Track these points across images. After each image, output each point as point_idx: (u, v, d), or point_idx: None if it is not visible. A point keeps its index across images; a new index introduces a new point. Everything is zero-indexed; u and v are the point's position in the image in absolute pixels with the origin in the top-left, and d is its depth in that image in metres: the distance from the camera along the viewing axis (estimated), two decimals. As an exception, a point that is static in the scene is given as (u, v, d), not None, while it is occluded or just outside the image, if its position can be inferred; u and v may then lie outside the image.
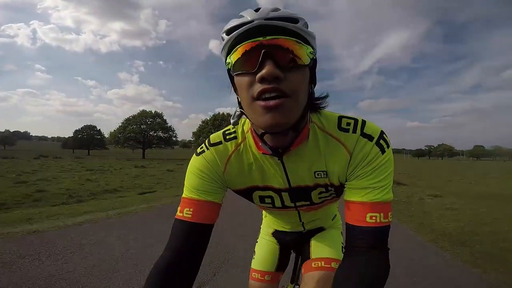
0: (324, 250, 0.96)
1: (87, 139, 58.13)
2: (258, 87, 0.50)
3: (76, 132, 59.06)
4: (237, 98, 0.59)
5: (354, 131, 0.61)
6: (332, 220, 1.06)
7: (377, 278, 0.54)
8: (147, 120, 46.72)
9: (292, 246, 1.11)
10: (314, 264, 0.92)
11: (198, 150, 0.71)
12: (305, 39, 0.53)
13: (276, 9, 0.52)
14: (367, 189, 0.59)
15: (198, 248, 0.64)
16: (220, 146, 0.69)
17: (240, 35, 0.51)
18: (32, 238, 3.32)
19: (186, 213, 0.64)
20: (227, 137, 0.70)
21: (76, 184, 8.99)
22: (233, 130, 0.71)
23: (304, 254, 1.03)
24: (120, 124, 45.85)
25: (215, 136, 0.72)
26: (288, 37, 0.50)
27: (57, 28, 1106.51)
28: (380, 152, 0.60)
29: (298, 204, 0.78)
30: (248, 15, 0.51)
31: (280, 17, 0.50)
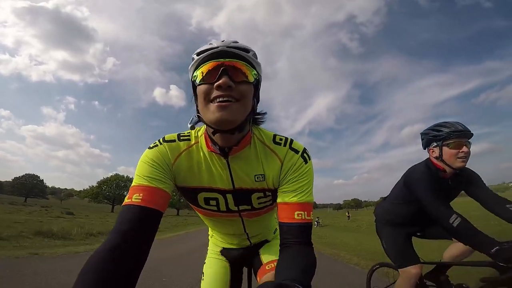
0: (274, 254, 1.03)
1: (27, 186, 54.84)
2: (214, 93, 0.66)
3: (15, 178, 55.23)
4: (196, 105, 0.74)
5: (285, 145, 0.79)
6: (274, 233, 1.15)
7: (309, 265, 0.65)
8: (120, 182, 53.54)
9: (243, 262, 1.13)
10: (268, 267, 0.98)
11: (151, 145, 0.78)
12: (252, 64, 0.72)
13: (236, 42, 0.72)
14: (295, 192, 0.74)
15: (147, 233, 0.63)
16: (174, 143, 0.79)
17: (207, 56, 0.68)
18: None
19: (135, 199, 0.65)
20: (181, 137, 0.81)
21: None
22: (187, 133, 0.82)
23: (256, 265, 1.05)
24: (96, 185, 54.01)
25: (170, 136, 0.81)
26: (240, 61, 0.69)
27: None
28: (304, 162, 0.77)
29: (241, 208, 0.87)
30: (215, 43, 0.70)
31: (237, 47, 0.70)
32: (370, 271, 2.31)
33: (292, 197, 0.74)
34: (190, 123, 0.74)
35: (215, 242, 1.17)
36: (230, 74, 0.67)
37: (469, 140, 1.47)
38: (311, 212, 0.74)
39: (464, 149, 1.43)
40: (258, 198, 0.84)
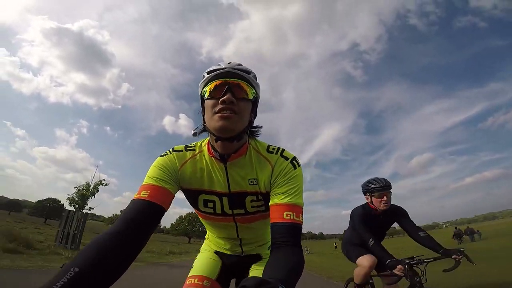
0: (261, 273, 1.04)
1: (48, 209, 59.20)
2: (219, 107, 0.79)
3: (39, 201, 60.00)
4: (203, 116, 0.88)
5: (277, 153, 0.91)
6: (268, 249, 1.12)
7: (297, 266, 0.68)
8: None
9: (232, 270, 1.19)
10: None
11: (163, 153, 0.93)
12: (252, 84, 0.87)
13: (240, 64, 0.87)
14: (284, 194, 0.82)
15: (148, 224, 0.74)
16: (181, 152, 0.93)
17: (216, 75, 0.84)
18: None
19: (143, 194, 0.78)
20: (188, 148, 0.95)
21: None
22: (193, 144, 0.96)
23: (244, 278, 1.08)
24: (176, 221, 66.60)
25: (179, 146, 0.96)
26: (242, 81, 0.84)
27: (19, 63, 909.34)
28: (293, 167, 0.87)
29: (235, 211, 0.97)
30: (223, 64, 0.85)
31: (241, 69, 0.85)
32: (346, 282, 2.79)
33: (281, 199, 0.81)
34: (193, 130, 0.89)
35: (209, 244, 1.26)
36: (233, 91, 0.81)
37: (390, 190, 2.20)
38: (301, 214, 0.79)
39: (385, 198, 2.17)
40: (252, 201, 0.93)
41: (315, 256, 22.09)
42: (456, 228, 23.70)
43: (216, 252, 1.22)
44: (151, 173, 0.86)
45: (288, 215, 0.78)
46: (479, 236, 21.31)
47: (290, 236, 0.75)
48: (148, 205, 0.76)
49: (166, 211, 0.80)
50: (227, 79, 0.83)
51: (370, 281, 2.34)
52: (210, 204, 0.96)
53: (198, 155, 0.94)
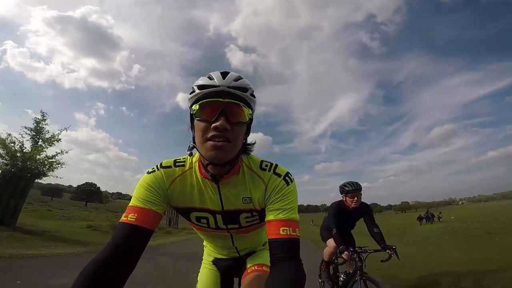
0: (258, 259, 1.16)
1: (88, 193, 65.81)
2: (211, 133, 0.73)
3: (78, 186, 66.70)
4: (193, 135, 0.82)
5: (269, 170, 0.88)
6: (263, 245, 1.23)
7: (297, 279, 0.70)
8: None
9: (232, 272, 1.24)
10: (250, 270, 1.09)
11: (150, 170, 0.88)
12: (249, 104, 0.80)
13: (237, 79, 0.78)
14: (279, 210, 0.81)
15: (137, 248, 0.73)
16: (169, 169, 0.88)
17: (207, 93, 0.75)
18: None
19: (130, 217, 0.75)
20: (177, 163, 0.90)
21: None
22: (183, 159, 0.91)
23: (241, 273, 1.16)
24: None
25: (167, 162, 0.90)
26: (238, 102, 0.76)
27: (28, 53, 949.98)
28: (286, 184, 0.86)
29: (229, 226, 0.96)
30: (216, 80, 0.76)
31: (237, 86, 0.77)
32: (320, 263, 3.47)
33: (276, 215, 0.80)
34: (188, 150, 0.84)
35: (208, 252, 1.29)
36: (227, 115, 0.74)
37: (360, 192, 2.82)
38: (297, 229, 0.79)
39: (356, 198, 2.79)
40: (246, 217, 0.93)
41: (317, 227, 25.85)
42: (427, 212, 29.95)
43: (215, 260, 1.26)
44: (137, 193, 0.82)
45: (285, 231, 0.77)
46: (438, 219, 26.45)
47: (289, 251, 0.75)
48: (136, 229, 0.74)
49: (154, 230, 0.79)
50: (221, 100, 0.75)
51: (335, 261, 3.04)
52: (203, 220, 0.95)
53: (188, 172, 0.90)
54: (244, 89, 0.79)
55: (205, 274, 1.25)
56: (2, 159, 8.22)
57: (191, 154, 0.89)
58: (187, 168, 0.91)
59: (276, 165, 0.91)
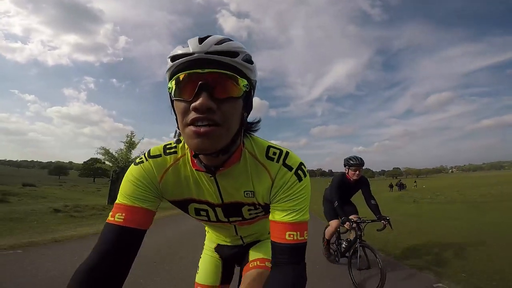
0: (259, 253, 1.03)
1: (94, 169, 69.70)
2: (191, 115, 0.54)
3: (84, 163, 70.28)
4: (176, 119, 0.61)
5: (278, 161, 0.70)
6: (268, 234, 0.98)
7: (297, 285, 0.64)
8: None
9: (234, 260, 1.14)
10: (252, 264, 0.98)
11: (137, 160, 0.74)
12: (242, 72, 0.58)
13: (221, 42, 0.56)
14: (287, 211, 0.67)
15: (128, 252, 0.64)
16: (159, 158, 0.72)
17: (181, 64, 0.55)
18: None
19: (117, 218, 0.64)
20: (167, 151, 0.74)
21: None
22: (174, 145, 0.74)
23: (244, 263, 1.06)
24: None
25: (156, 149, 0.74)
26: (224, 71, 0.54)
27: (2, 35, 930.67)
28: (298, 180, 0.69)
29: (231, 219, 0.85)
30: (191, 47, 0.55)
31: (221, 51, 0.55)
32: (324, 228, 3.71)
33: (283, 216, 0.67)
34: (174, 137, 0.66)
35: (210, 238, 1.18)
36: (211, 90, 0.53)
37: (362, 167, 3.10)
38: (305, 232, 0.68)
39: (357, 172, 3.07)
40: (249, 210, 0.80)
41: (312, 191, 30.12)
42: (399, 181, 34.74)
43: (218, 247, 1.14)
44: (124, 189, 0.69)
45: (291, 236, 0.66)
46: (404, 188, 31.14)
47: (293, 256, 0.66)
48: (125, 231, 0.63)
49: (146, 230, 0.69)
50: (200, 71, 0.54)
51: (338, 229, 3.42)
52: (203, 213, 0.82)
53: (181, 159, 0.73)
54: (233, 53, 0.56)
55: (207, 260, 1.15)
56: (112, 163, 13.30)
57: (178, 142, 0.67)
58: (179, 155, 0.73)
59: (287, 153, 0.71)
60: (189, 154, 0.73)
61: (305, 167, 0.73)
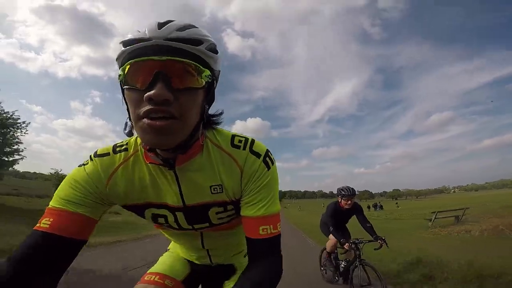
0: None
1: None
2: (145, 107, 0.48)
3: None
4: (127, 110, 0.53)
5: (244, 148, 0.64)
6: (245, 257, 0.90)
7: (272, 277, 0.63)
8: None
9: (203, 280, 0.99)
10: None
11: (84, 161, 0.64)
12: (205, 61, 0.53)
13: (184, 28, 0.51)
14: (258, 204, 0.64)
15: (50, 264, 0.52)
16: (107, 157, 0.63)
17: (136, 50, 0.49)
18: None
19: (43, 223, 0.54)
20: (117, 149, 0.64)
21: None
22: (125, 142, 0.66)
23: None
24: None
25: (104, 148, 0.66)
26: (185, 60, 0.49)
27: (18, 44, 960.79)
28: (266, 168, 0.65)
29: (196, 226, 0.73)
30: (148, 31, 0.49)
31: (183, 38, 0.50)
32: (321, 251, 3.95)
33: (255, 211, 0.64)
34: (125, 129, 0.57)
35: (175, 247, 1.01)
36: (168, 79, 0.48)
37: (354, 197, 3.35)
38: (278, 223, 0.65)
39: (349, 202, 3.29)
40: (218, 213, 0.70)
41: (302, 212, 34.80)
42: (378, 202, 40.29)
43: (185, 258, 0.98)
44: (59, 192, 0.59)
45: (265, 230, 0.63)
46: (381, 208, 35.20)
47: (268, 250, 0.64)
48: (49, 239, 0.53)
49: (85, 242, 0.59)
50: (157, 58, 0.48)
51: (335, 250, 3.62)
52: (161, 220, 0.71)
53: (133, 157, 0.64)
54: (196, 41, 0.52)
55: (170, 257, 0.98)
56: None
57: (130, 135, 0.58)
58: (131, 152, 0.64)
59: (253, 141, 0.66)
60: (143, 149, 0.63)
61: (271, 154, 0.67)
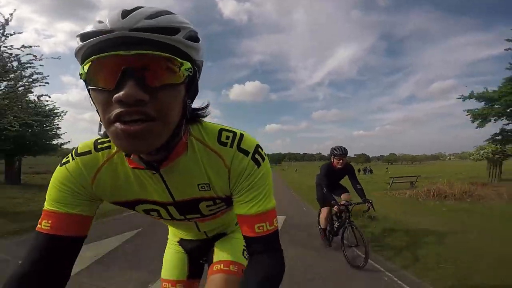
0: (224, 253, 0.93)
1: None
2: (115, 109, 0.41)
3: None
4: (97, 111, 0.47)
5: (232, 146, 0.60)
6: (236, 225, 0.99)
7: (273, 277, 0.60)
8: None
9: (199, 254, 1.04)
10: (215, 268, 0.89)
11: (64, 160, 0.61)
12: (184, 52, 0.46)
13: (155, 15, 0.43)
14: (251, 202, 0.62)
15: (61, 260, 0.57)
16: (89, 156, 0.60)
17: (97, 44, 0.41)
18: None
19: (44, 225, 0.56)
20: (99, 146, 0.61)
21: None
22: (107, 140, 0.61)
23: (209, 261, 0.96)
24: None
25: (85, 145, 0.61)
26: (159, 52, 0.42)
27: None
28: (256, 166, 0.61)
29: (188, 217, 0.74)
30: (109, 22, 0.41)
31: (154, 27, 0.42)
32: (318, 211, 3.95)
33: (248, 209, 0.62)
34: (99, 131, 0.51)
35: (173, 231, 1.07)
36: (140, 76, 0.41)
37: (346, 156, 3.35)
38: (274, 219, 0.64)
39: (341, 161, 3.32)
40: (208, 206, 0.70)
41: (298, 173, 37.22)
42: (367, 166, 41.29)
43: (180, 242, 1.04)
44: (49, 194, 0.59)
45: (261, 228, 0.62)
46: (371, 172, 36.87)
47: (266, 246, 0.63)
48: (53, 240, 0.56)
49: (84, 236, 0.60)
50: (122, 53, 0.41)
51: (331, 220, 3.66)
52: (154, 213, 0.71)
53: (116, 156, 0.60)
54: (171, 30, 0.44)
55: (171, 254, 1.04)
56: None
57: (107, 136, 0.49)
58: (114, 150, 0.60)
59: (242, 136, 0.62)
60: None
61: (262, 149, 0.64)
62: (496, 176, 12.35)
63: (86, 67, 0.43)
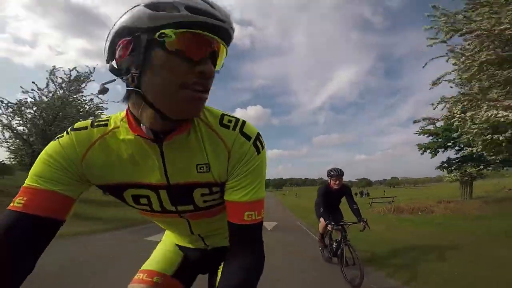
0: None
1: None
2: (193, 78, 0.49)
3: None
4: (134, 73, 0.49)
5: (234, 129, 0.61)
6: None
7: (255, 265, 0.61)
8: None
9: (199, 266, 0.95)
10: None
11: (59, 135, 0.60)
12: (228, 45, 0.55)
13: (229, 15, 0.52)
14: (245, 189, 0.61)
15: (27, 245, 0.50)
16: (84, 131, 0.59)
17: (202, 23, 0.48)
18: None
19: (17, 203, 0.51)
20: (96, 123, 0.60)
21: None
22: (106, 118, 0.62)
23: (213, 283, 0.91)
24: None
25: (82, 123, 0.61)
26: (226, 46, 0.54)
27: (11, 38, 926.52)
28: (256, 152, 0.61)
29: (180, 208, 0.69)
30: (219, 13, 0.50)
31: (233, 27, 0.53)
32: (318, 236, 4.10)
33: (241, 196, 0.61)
34: (123, 99, 0.55)
35: (168, 234, 1.00)
36: (215, 59, 0.53)
37: (342, 177, 3.54)
38: (262, 210, 0.64)
39: (337, 182, 3.48)
40: (202, 195, 0.66)
41: (297, 198, 39.50)
42: (362, 191, 44.78)
43: (178, 245, 0.96)
44: (34, 169, 0.56)
45: (250, 216, 0.61)
46: (367, 195, 38.71)
47: (251, 236, 0.63)
48: (23, 218, 0.50)
49: (62, 223, 0.55)
50: (216, 38, 0.50)
51: (328, 231, 3.83)
52: (143, 200, 0.66)
53: (111, 132, 0.59)
54: (233, 30, 0.54)
55: (162, 249, 0.96)
56: None
57: (126, 100, 0.55)
58: (111, 127, 0.60)
59: (244, 122, 0.63)
60: (126, 124, 0.58)
61: (262, 138, 0.64)
62: (467, 195, 14.51)
63: (179, 35, 0.47)
